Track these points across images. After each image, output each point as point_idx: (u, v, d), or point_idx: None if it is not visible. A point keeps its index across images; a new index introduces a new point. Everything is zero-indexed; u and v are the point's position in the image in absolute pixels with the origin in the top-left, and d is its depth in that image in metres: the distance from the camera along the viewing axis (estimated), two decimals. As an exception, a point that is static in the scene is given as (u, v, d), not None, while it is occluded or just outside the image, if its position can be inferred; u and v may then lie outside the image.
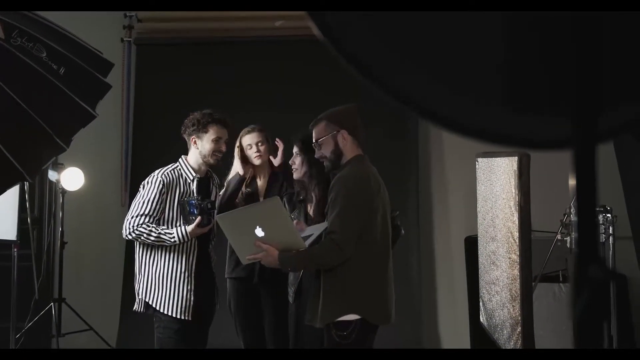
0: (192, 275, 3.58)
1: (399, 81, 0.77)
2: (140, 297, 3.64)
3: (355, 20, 0.74)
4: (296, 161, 3.55)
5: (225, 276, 3.98)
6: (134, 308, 3.69)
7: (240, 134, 3.97)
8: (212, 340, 3.89)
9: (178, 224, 3.54)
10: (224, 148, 3.68)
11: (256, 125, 4.00)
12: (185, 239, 3.51)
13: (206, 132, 3.63)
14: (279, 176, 3.95)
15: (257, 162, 3.94)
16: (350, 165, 3.15)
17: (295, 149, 3.57)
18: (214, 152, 3.64)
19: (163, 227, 3.54)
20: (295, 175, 3.58)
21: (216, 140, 3.64)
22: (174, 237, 3.49)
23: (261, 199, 3.91)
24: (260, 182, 4.00)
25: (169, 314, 3.54)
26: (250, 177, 3.98)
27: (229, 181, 3.92)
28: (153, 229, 3.51)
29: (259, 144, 3.92)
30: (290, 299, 3.62)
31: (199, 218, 3.48)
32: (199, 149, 3.66)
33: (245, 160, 3.93)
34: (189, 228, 3.48)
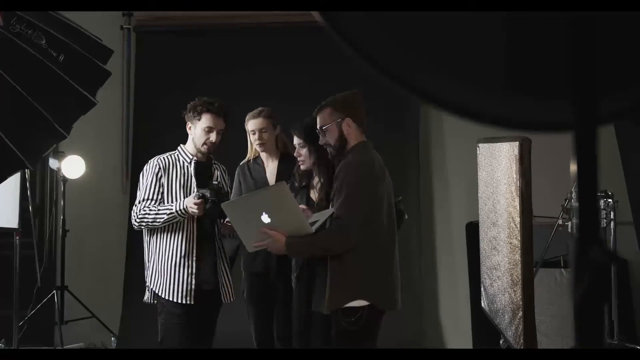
0: (193, 259, 3.56)
1: (406, 71, 0.77)
2: (147, 284, 3.65)
3: (364, 18, 0.74)
4: (302, 152, 3.49)
5: (241, 269, 3.93)
6: (144, 299, 3.69)
7: (247, 117, 3.93)
8: (224, 328, 3.86)
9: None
10: (213, 138, 3.60)
11: (264, 109, 3.92)
12: (182, 213, 3.46)
13: (199, 119, 3.61)
14: (291, 160, 3.83)
15: (259, 149, 3.91)
16: (354, 151, 3.15)
17: (298, 141, 3.50)
18: (204, 141, 3.62)
19: (163, 205, 3.55)
20: (304, 167, 3.53)
21: (207, 130, 3.60)
22: (171, 211, 3.48)
23: (270, 184, 3.86)
24: (269, 167, 3.95)
25: (171, 299, 3.54)
26: (258, 161, 3.97)
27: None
28: (152, 207, 3.53)
29: (262, 131, 3.86)
30: (293, 285, 3.60)
31: (199, 193, 3.43)
32: (192, 135, 3.65)
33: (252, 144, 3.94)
34: (187, 200, 3.45)
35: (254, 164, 3.98)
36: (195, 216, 3.50)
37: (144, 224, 3.56)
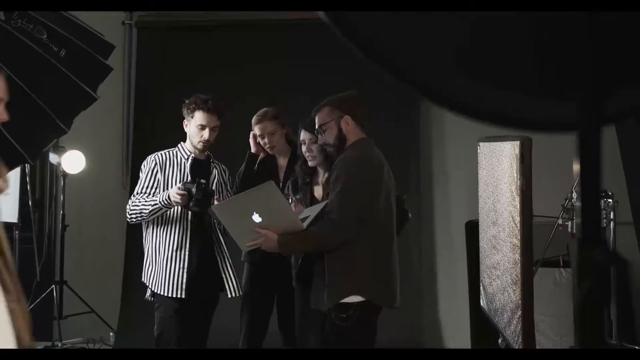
0: (186, 253, 3.55)
1: (409, 65, 0.77)
2: (143, 279, 3.64)
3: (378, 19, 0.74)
4: (313, 148, 3.45)
5: (242, 259, 3.90)
6: (146, 297, 3.68)
7: (252, 120, 3.87)
8: (223, 324, 3.84)
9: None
10: (206, 135, 3.59)
11: (268, 110, 3.86)
12: (166, 202, 3.45)
13: (192, 117, 3.61)
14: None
15: (270, 152, 3.87)
16: (353, 147, 3.14)
17: (308, 136, 3.46)
18: (198, 139, 3.61)
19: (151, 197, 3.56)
20: (313, 163, 3.49)
21: (200, 127, 3.59)
22: (156, 202, 3.48)
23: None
24: (281, 163, 3.91)
25: (164, 293, 3.54)
26: (268, 158, 3.90)
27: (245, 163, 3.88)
28: (141, 199, 3.54)
29: (270, 134, 3.81)
30: (293, 282, 3.57)
31: (185, 186, 3.41)
32: (188, 132, 3.66)
33: (258, 143, 3.86)
34: (171, 190, 3.45)
35: (268, 162, 3.92)
36: (179, 207, 3.49)
37: (134, 216, 3.58)
